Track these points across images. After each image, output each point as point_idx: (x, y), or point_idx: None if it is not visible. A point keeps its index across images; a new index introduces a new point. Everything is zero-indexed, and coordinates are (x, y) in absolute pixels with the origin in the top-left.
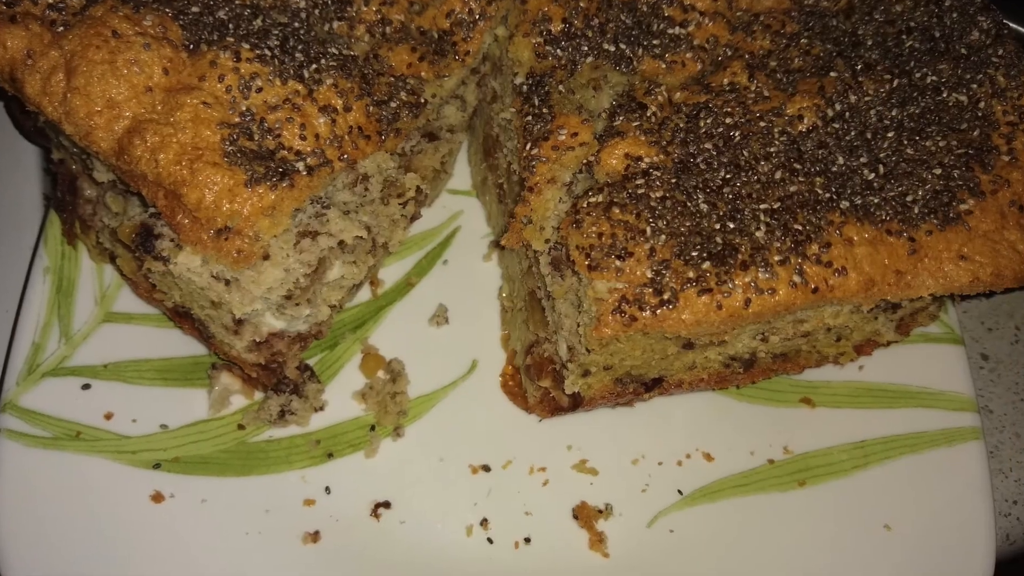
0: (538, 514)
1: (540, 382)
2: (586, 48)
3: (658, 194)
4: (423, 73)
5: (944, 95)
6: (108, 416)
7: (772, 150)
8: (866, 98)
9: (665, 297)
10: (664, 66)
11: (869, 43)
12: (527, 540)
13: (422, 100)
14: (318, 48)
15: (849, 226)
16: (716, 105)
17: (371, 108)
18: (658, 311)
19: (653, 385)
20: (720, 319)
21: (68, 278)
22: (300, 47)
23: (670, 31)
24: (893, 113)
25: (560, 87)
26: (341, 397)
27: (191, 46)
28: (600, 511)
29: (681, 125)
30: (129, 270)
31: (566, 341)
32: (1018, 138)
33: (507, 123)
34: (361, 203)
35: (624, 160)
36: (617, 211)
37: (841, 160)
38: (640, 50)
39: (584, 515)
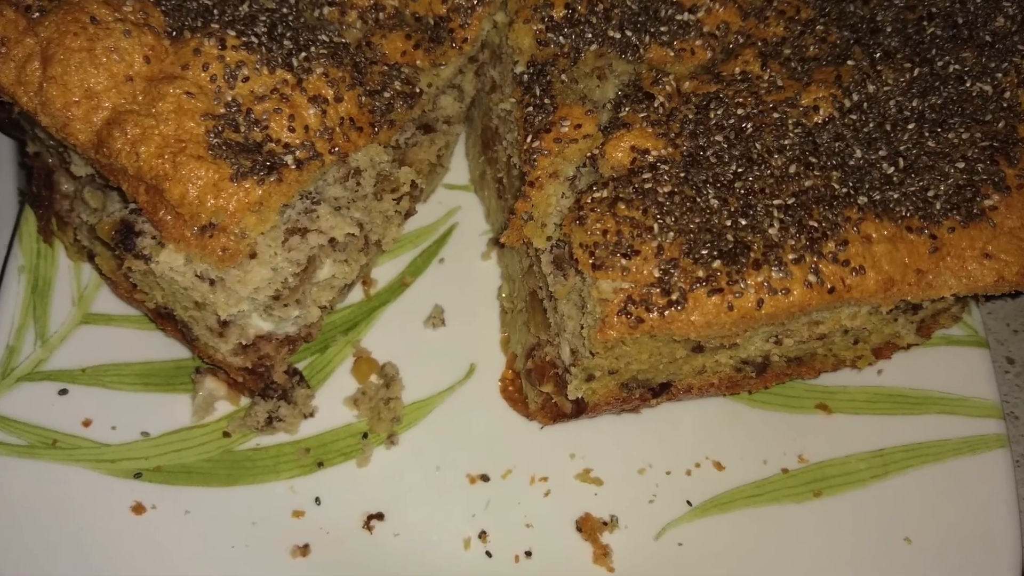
0: (539, 526)
1: (542, 387)
2: (590, 35)
3: (666, 189)
4: (418, 61)
5: (967, 85)
6: (86, 423)
7: (786, 143)
8: (885, 88)
9: (673, 297)
10: (672, 54)
11: (888, 30)
12: (528, 554)
13: (417, 90)
14: (308, 35)
15: (867, 223)
16: (727, 95)
17: (363, 98)
18: (666, 312)
19: (661, 390)
20: (731, 321)
21: (44, 277)
22: (289, 34)
23: (679, 17)
24: (913, 104)
25: (563, 76)
26: (332, 403)
27: (174, 33)
28: (605, 523)
29: (690, 116)
30: (108, 269)
31: (569, 344)
32: None
33: (507, 114)
34: (353, 199)
35: (630, 153)
36: (623, 207)
37: (859, 153)
38: (647, 37)
39: (588, 527)
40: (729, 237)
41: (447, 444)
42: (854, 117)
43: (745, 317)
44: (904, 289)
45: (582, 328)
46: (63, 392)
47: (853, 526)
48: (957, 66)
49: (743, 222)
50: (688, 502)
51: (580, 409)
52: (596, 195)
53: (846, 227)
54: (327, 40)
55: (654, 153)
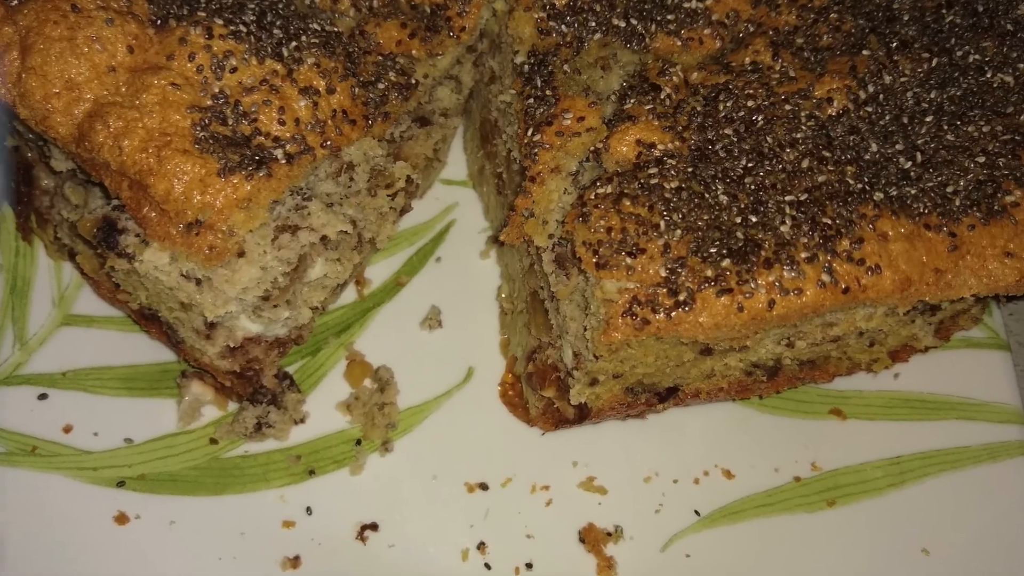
0: (541, 537)
1: (543, 392)
2: (594, 23)
3: (673, 184)
4: (414, 51)
5: (988, 75)
6: (67, 429)
7: (798, 136)
8: (902, 79)
9: (681, 298)
10: (680, 43)
11: (905, 18)
12: (528, 566)
13: (413, 81)
14: (298, 23)
15: (883, 220)
16: (737, 86)
17: (357, 90)
18: (673, 313)
19: (667, 395)
20: (741, 322)
21: (23, 277)
22: (279, 22)
23: (686, 5)
24: (932, 95)
25: (565, 67)
26: (324, 408)
27: (158, 21)
28: (609, 534)
29: (698, 109)
30: (90, 268)
31: (572, 346)
32: None
33: (507, 106)
34: (346, 195)
35: (635, 147)
36: (628, 203)
37: (875, 147)
38: (653, 26)
39: (592, 538)
40: (739, 235)
41: (444, 451)
42: (870, 109)
43: (756, 318)
44: (922, 289)
45: (585, 330)
46: (43, 397)
47: (868, 537)
48: (977, 56)
49: (753, 219)
50: (696, 512)
51: (583, 415)
52: (600, 191)
53: (861, 224)
54: (319, 29)
55: (660, 147)
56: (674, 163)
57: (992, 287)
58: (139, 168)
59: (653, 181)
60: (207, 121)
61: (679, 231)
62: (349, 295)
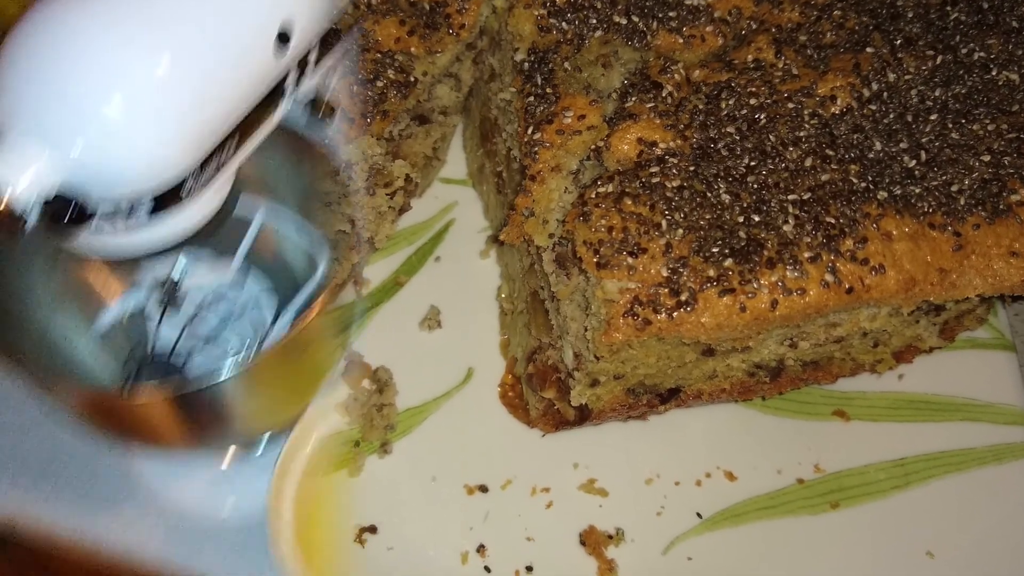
0: (541, 539)
1: (543, 393)
2: (595, 21)
3: (675, 183)
4: (413, 49)
5: (993, 73)
6: None
7: (802, 135)
8: (906, 77)
9: (682, 298)
10: (681, 41)
11: (909, 15)
12: (529, 569)
13: (411, 79)
14: None
15: (887, 219)
16: (739, 84)
17: (355, 88)
18: (675, 314)
19: (669, 396)
20: (744, 322)
21: None
22: None
23: (688, 1)
24: (936, 93)
25: (566, 64)
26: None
27: None
28: (610, 536)
29: (700, 107)
30: None
31: (572, 347)
32: None
33: (507, 104)
34: (344, 193)
35: (637, 145)
36: (629, 202)
37: (878, 146)
38: (655, 23)
39: (592, 541)
40: (741, 234)
41: (443, 453)
42: (873, 107)
43: (758, 319)
44: (926, 289)
45: (586, 330)
46: None
47: (872, 539)
48: (982, 53)
49: (756, 218)
50: (698, 514)
51: (584, 416)
52: (601, 190)
53: (865, 223)
54: None
55: (662, 145)
56: (676, 162)
57: (997, 287)
58: None
59: (655, 180)
60: None
61: (681, 230)
62: (347, 295)
